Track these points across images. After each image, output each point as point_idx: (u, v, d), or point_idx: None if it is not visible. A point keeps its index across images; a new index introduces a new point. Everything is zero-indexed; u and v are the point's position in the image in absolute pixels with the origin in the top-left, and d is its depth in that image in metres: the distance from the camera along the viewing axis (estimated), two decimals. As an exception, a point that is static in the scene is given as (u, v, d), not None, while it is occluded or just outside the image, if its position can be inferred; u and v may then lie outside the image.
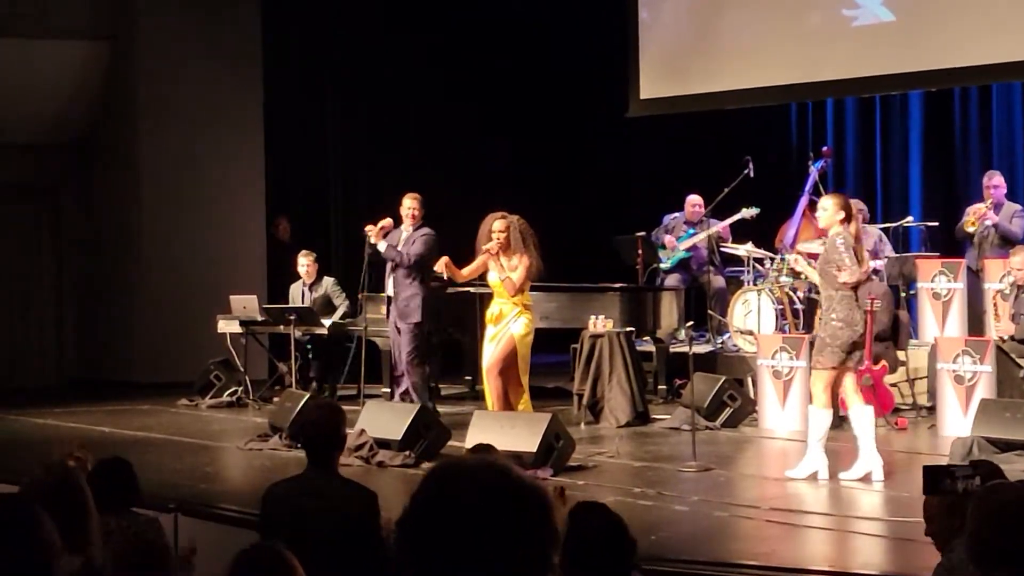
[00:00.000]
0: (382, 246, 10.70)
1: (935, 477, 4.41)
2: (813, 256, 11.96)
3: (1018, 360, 10.01)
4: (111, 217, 14.82)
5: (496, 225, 9.64)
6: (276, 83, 15.04)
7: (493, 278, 9.69)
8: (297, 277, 12.95)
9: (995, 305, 10.61)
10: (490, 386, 9.68)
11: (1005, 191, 11.96)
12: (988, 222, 11.68)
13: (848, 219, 8.37)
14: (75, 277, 15.12)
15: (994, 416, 8.88)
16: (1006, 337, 10.18)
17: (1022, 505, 3.32)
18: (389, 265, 10.79)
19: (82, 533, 4.09)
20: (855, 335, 8.31)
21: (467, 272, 9.90)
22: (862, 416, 8.34)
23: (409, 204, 10.78)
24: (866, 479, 8.21)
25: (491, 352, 9.65)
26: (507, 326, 9.60)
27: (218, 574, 7.01)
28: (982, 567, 3.32)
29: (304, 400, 9.89)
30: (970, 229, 11.77)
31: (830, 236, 8.40)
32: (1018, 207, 11.87)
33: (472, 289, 11.28)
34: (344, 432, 5.34)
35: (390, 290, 10.86)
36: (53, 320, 15.07)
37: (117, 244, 14.74)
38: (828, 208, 8.43)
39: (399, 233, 10.84)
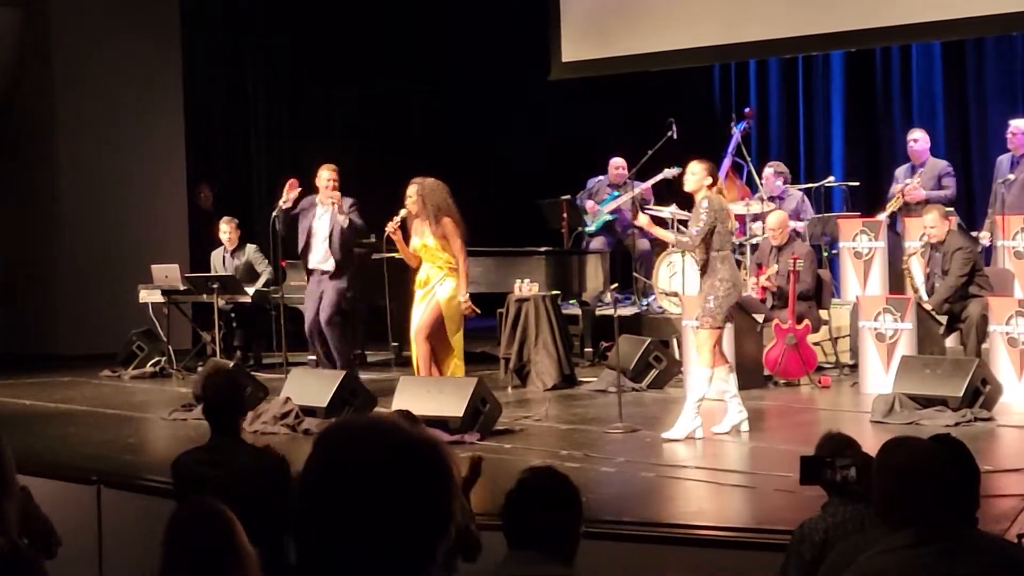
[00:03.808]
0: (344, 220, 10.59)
1: (813, 467, 4.47)
2: (738, 217, 12.10)
3: (938, 317, 10.13)
4: (29, 187, 14.56)
5: (408, 190, 9.60)
6: (195, 48, 14.84)
7: (416, 243, 9.62)
8: (219, 245, 12.83)
9: (908, 271, 10.67)
10: (418, 351, 9.65)
11: (928, 146, 12.05)
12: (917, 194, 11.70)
13: (715, 183, 8.40)
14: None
15: (915, 373, 8.98)
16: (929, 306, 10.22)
17: (928, 459, 3.35)
18: (319, 234, 10.71)
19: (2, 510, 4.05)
20: (739, 294, 8.55)
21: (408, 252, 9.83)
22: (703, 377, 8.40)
23: (328, 176, 10.70)
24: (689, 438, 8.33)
25: (418, 316, 9.62)
26: (432, 290, 9.57)
27: (143, 543, 6.96)
28: (890, 522, 3.35)
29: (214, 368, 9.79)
30: (891, 210, 11.82)
31: (698, 199, 8.38)
32: (944, 164, 11.96)
33: (397, 255, 11.23)
34: (244, 398, 5.31)
35: (323, 261, 10.71)
36: (-29, 293, 14.83)
37: (36, 215, 14.49)
38: (697, 172, 8.39)
39: (311, 202, 10.77)
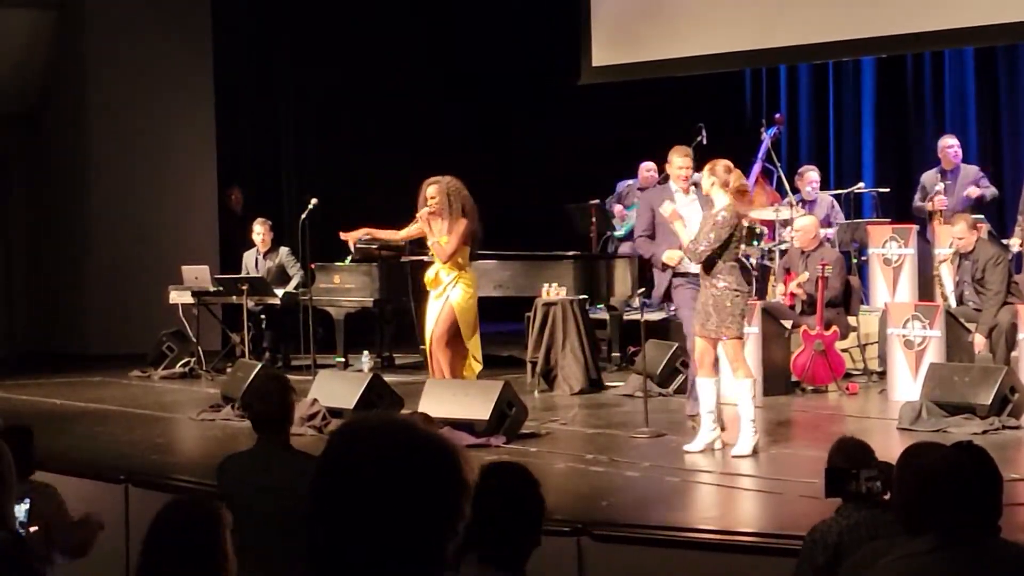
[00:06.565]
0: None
1: (838, 479, 4.45)
2: (767, 223, 12.08)
3: (966, 325, 10.08)
4: (61, 188, 14.68)
5: (429, 191, 9.53)
6: (226, 51, 14.91)
7: (431, 242, 9.63)
8: (250, 246, 12.89)
9: (938, 278, 10.62)
10: (439, 357, 9.61)
11: (961, 154, 12.03)
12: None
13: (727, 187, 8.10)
14: (25, 249, 14.97)
15: (943, 380, 8.95)
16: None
17: (947, 464, 3.34)
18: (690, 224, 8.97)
19: (3, 506, 4.03)
20: (748, 300, 8.43)
21: (404, 234, 9.83)
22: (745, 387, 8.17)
23: (680, 163, 8.97)
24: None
25: (433, 321, 9.57)
26: (445, 294, 9.53)
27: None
28: (910, 529, 3.34)
29: (255, 371, 9.84)
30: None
31: (716, 208, 8.14)
32: (975, 169, 11.94)
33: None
34: (292, 403, 5.31)
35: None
36: (2, 292, 14.93)
37: (67, 215, 14.61)
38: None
39: (663, 190, 9.30)
